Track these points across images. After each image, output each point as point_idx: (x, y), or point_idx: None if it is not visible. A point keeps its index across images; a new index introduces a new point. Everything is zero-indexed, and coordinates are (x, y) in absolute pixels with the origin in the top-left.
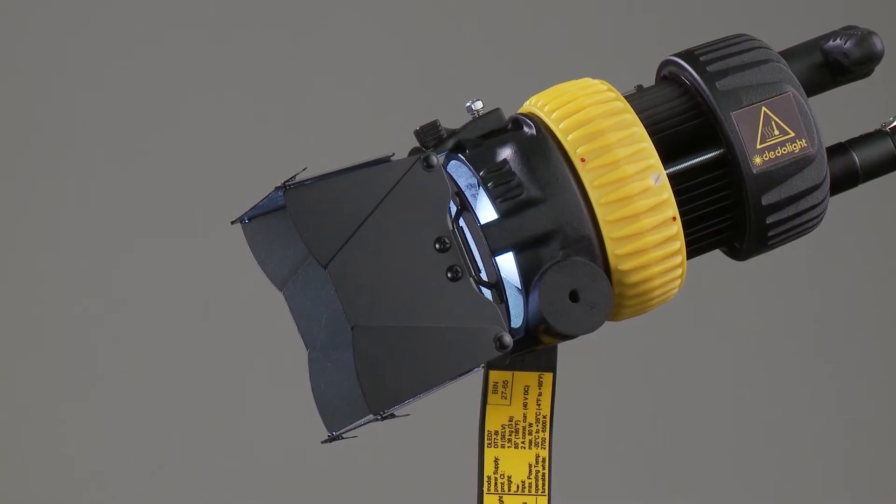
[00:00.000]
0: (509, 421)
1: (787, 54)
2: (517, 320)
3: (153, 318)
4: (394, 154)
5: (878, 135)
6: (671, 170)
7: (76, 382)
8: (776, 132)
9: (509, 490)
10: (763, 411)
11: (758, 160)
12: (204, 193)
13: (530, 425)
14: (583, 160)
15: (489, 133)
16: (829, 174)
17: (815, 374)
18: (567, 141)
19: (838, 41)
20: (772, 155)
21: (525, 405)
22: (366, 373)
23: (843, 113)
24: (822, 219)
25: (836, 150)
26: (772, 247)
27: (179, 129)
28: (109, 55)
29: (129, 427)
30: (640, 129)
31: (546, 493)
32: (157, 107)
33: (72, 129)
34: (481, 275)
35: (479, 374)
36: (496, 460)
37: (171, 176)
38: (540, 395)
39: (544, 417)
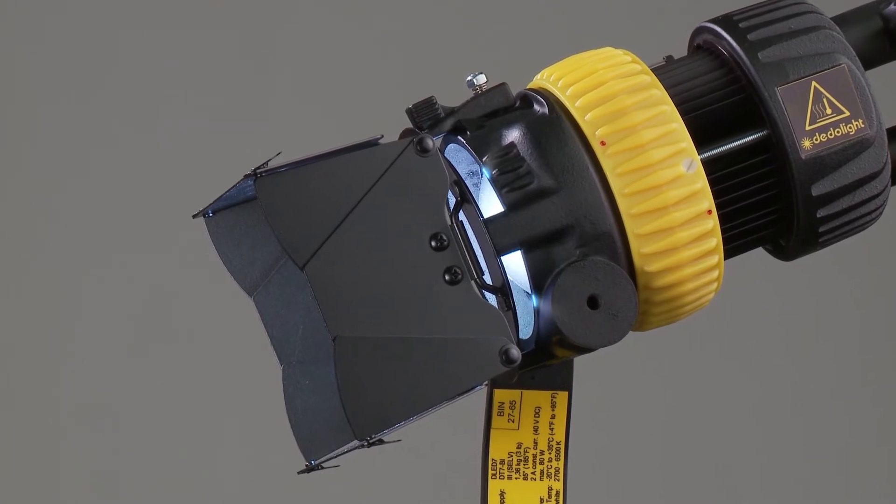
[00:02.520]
0: (517, 448)
1: (841, 20)
2: (526, 330)
3: (115, 330)
4: (382, 136)
5: None
6: (706, 155)
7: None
8: (828, 111)
9: None
10: (792, 419)
11: (807, 143)
12: (173, 192)
13: (542, 453)
14: (603, 143)
15: (494, 112)
16: (890, 160)
17: (850, 381)
18: (585, 121)
19: None
20: (823, 137)
21: (536, 430)
22: (350, 392)
23: None
24: (881, 212)
25: None
26: (823, 244)
27: (154, 125)
28: (69, 54)
29: (97, 448)
30: (670, 108)
31: None
32: (127, 104)
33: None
34: (484, 277)
35: (481, 393)
36: (502, 494)
37: (138, 176)
38: (553, 417)
39: (558, 444)
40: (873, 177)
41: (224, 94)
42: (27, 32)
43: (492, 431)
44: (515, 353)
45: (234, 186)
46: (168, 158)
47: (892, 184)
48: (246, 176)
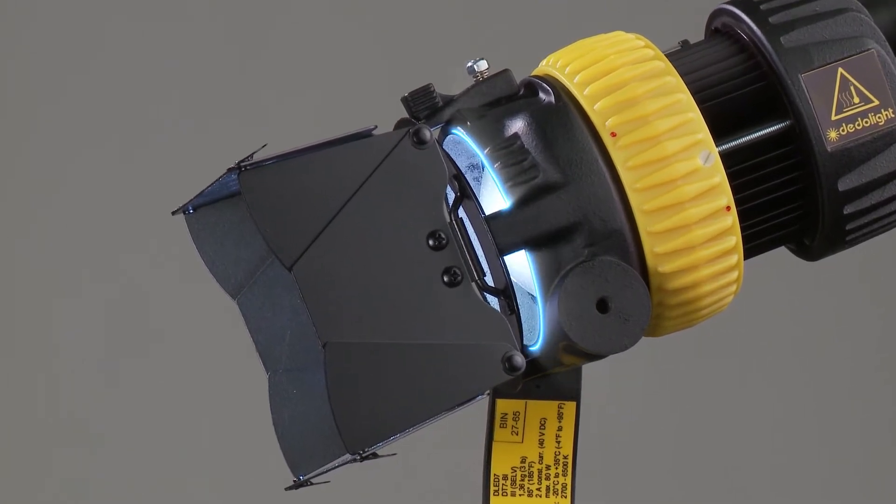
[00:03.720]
0: (521, 462)
1: (870, 2)
2: (531, 336)
3: (94, 334)
4: (376, 127)
5: None
6: (725, 147)
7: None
8: (856, 99)
9: None
10: (809, 420)
11: (833, 135)
12: (160, 189)
13: (548, 468)
14: (613, 134)
15: (496, 100)
16: None
17: (869, 380)
18: (594, 110)
19: None
20: (850, 128)
21: (541, 443)
22: (341, 402)
23: None
24: None
25: None
26: (851, 243)
27: (140, 120)
28: (52, 50)
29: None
30: (686, 96)
31: None
32: (111, 98)
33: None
34: (486, 278)
35: (483, 403)
36: None
37: (121, 173)
38: (560, 429)
39: (565, 458)
40: None
41: (212, 86)
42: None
43: (494, 445)
44: (519, 360)
45: (216, 181)
46: (156, 154)
47: None
48: (229, 169)
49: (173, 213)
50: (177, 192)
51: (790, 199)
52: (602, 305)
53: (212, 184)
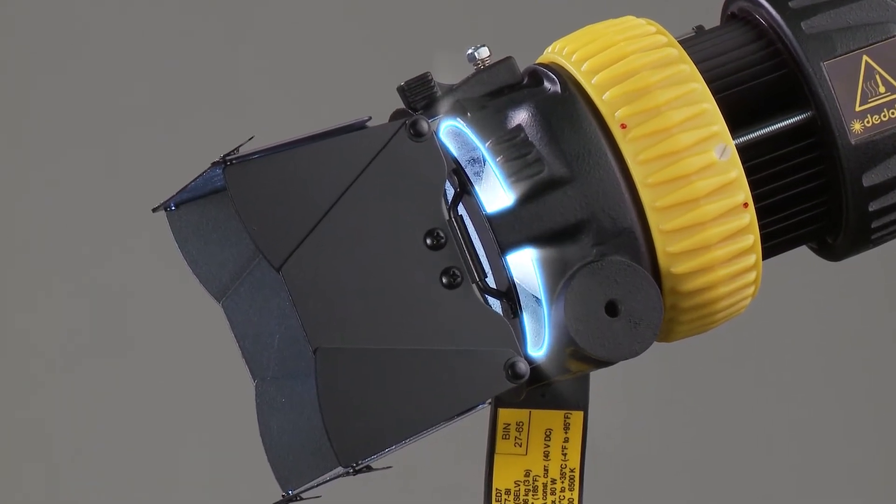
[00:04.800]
0: (525, 476)
1: None
2: (535, 341)
3: (67, 337)
4: (371, 118)
5: None
6: (742, 140)
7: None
8: (882, 89)
9: None
10: (829, 424)
11: (857, 127)
12: (138, 185)
13: (553, 482)
14: (623, 126)
15: (498, 90)
16: None
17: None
18: (602, 100)
19: None
20: (876, 120)
21: (546, 455)
22: (333, 411)
23: None
24: None
25: None
26: (876, 242)
27: (118, 113)
28: (28, 43)
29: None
30: (701, 86)
31: None
32: (89, 90)
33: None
34: (487, 280)
35: (484, 412)
36: None
37: (99, 170)
38: (566, 441)
39: (572, 472)
40: None
41: (195, 75)
42: None
43: (496, 457)
44: (523, 366)
45: (200, 175)
46: (137, 147)
47: None
48: (214, 163)
49: (154, 209)
50: (158, 188)
51: (811, 195)
52: (611, 308)
53: (195, 179)
